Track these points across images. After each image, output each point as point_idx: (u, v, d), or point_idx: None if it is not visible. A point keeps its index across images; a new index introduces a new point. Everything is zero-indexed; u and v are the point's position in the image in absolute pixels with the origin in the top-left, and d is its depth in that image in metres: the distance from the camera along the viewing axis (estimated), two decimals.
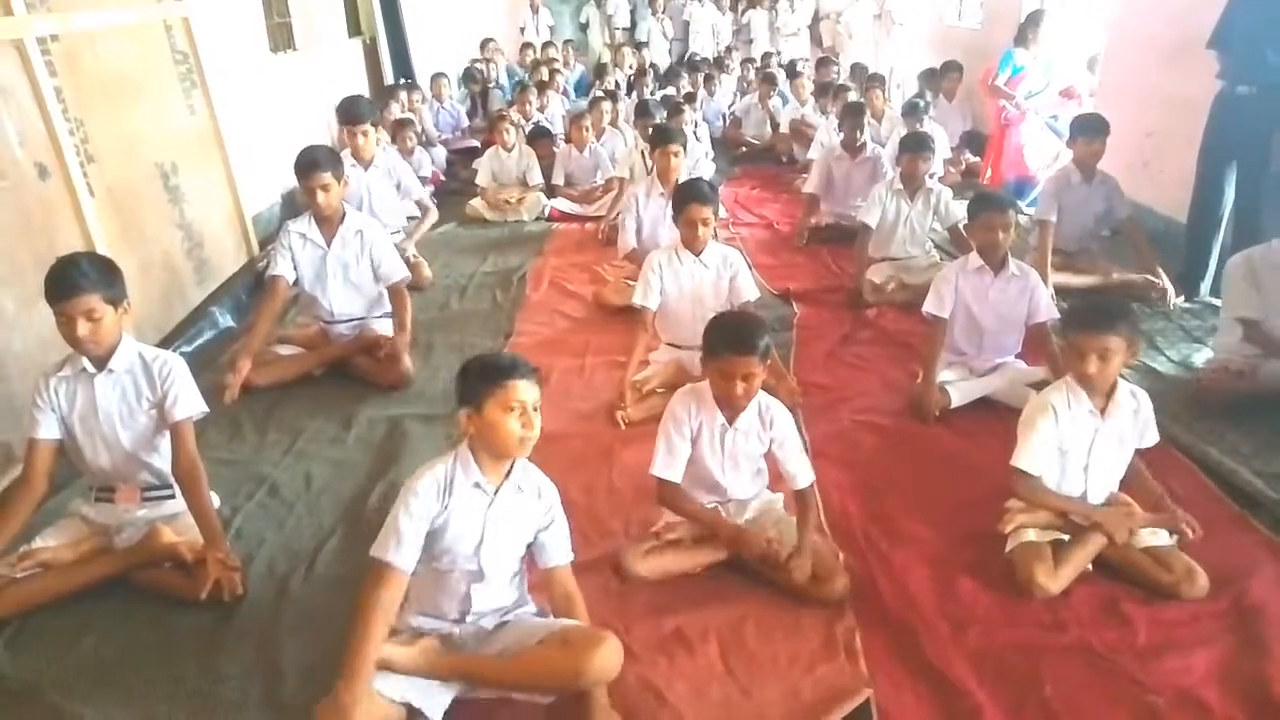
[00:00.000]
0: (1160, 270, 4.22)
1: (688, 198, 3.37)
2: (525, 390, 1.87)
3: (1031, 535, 2.36)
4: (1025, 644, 2.14)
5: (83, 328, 2.25)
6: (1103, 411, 2.36)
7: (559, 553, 2.03)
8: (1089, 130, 4.25)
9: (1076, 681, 2.02)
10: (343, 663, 1.77)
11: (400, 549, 1.85)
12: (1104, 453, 2.39)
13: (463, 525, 1.92)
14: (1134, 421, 2.39)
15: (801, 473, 2.38)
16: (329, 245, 3.55)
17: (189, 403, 2.43)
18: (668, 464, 2.34)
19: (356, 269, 3.61)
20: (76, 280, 2.24)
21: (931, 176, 4.73)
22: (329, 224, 3.56)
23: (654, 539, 2.41)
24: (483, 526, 1.93)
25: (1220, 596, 2.26)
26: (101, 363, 2.36)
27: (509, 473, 1.96)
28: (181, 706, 2.00)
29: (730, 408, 2.33)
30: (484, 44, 10.19)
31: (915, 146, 4.41)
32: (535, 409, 1.89)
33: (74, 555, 2.36)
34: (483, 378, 1.87)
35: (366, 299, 3.70)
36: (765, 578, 2.33)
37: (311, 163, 3.45)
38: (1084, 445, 2.37)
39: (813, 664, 2.06)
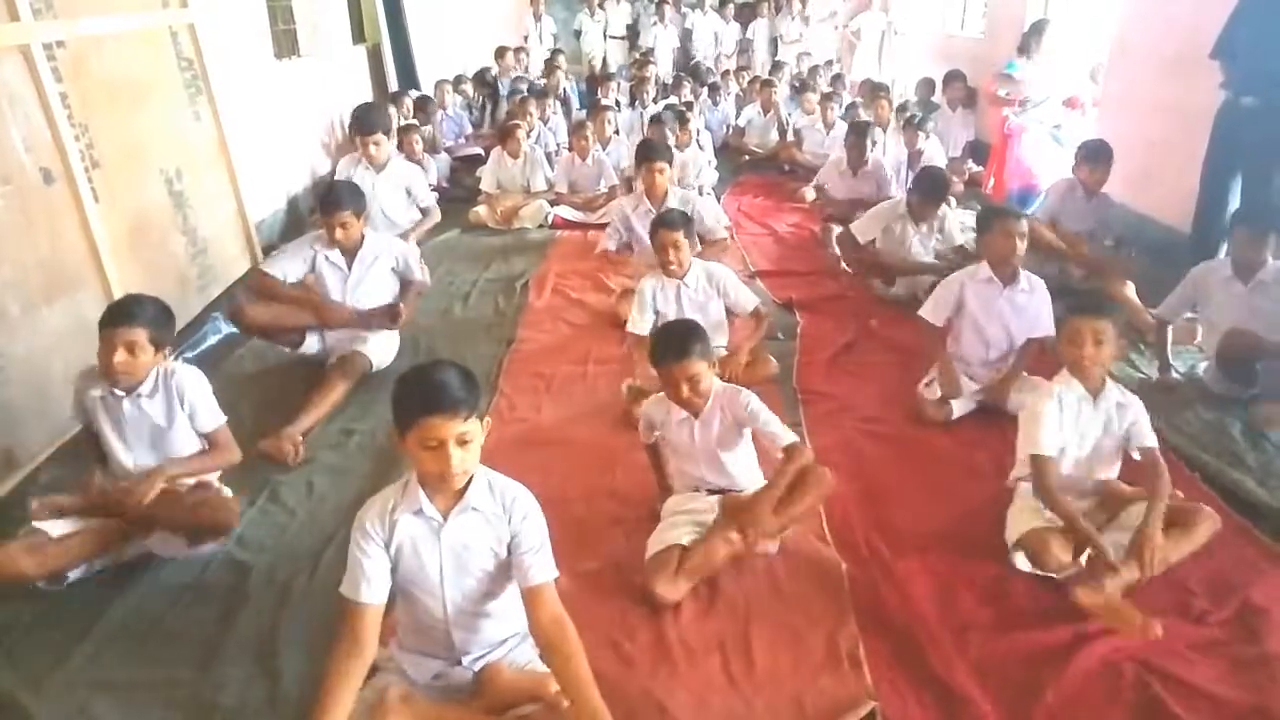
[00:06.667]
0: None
1: (655, 224, 3.46)
2: (443, 427, 1.68)
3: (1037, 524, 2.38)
4: (1029, 653, 2.13)
5: (120, 355, 2.37)
6: (1094, 397, 2.45)
7: (534, 570, 1.81)
8: (1094, 159, 4.37)
9: (1080, 690, 2.01)
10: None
11: (364, 585, 1.76)
12: (1092, 438, 2.46)
13: (416, 557, 1.81)
14: (1119, 415, 2.46)
15: (780, 436, 2.41)
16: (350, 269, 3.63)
17: (210, 415, 2.56)
18: (645, 436, 2.67)
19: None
20: (132, 310, 2.40)
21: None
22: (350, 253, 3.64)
23: (674, 562, 2.31)
24: (439, 557, 1.80)
25: (1224, 605, 2.26)
26: (129, 390, 2.47)
27: (463, 493, 1.80)
28: (180, 711, 2.00)
29: (688, 408, 2.46)
30: (500, 52, 9.89)
31: (930, 191, 4.38)
32: (462, 443, 1.71)
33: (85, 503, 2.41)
34: (402, 410, 1.72)
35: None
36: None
37: (335, 200, 3.52)
38: (1075, 429, 2.45)
39: (816, 674, 2.05)
